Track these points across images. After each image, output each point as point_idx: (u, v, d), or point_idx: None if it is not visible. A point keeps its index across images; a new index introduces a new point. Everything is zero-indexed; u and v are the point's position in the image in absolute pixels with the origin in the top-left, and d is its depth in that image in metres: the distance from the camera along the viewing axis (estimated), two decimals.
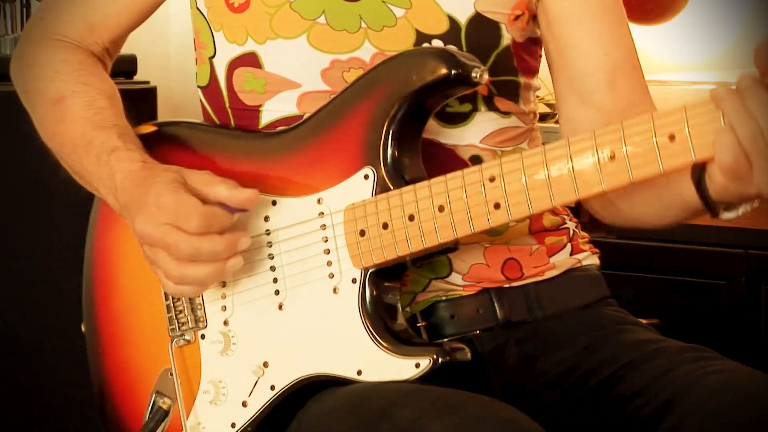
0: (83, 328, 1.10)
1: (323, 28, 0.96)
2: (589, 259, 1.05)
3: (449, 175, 0.86)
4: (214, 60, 1.03)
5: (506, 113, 1.01)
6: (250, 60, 1.00)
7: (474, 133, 0.99)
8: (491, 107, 1.00)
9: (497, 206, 0.83)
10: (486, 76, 0.88)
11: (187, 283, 0.90)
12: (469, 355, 0.88)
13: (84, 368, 1.11)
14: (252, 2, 0.97)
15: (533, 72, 1.05)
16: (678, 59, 2.01)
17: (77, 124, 1.00)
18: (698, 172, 0.78)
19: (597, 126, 0.86)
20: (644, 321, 1.04)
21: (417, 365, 0.86)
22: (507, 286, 0.99)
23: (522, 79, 1.03)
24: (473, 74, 0.87)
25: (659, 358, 0.91)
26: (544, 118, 1.21)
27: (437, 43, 0.96)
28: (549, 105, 1.37)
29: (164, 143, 1.03)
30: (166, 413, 0.98)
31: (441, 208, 0.85)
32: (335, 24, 0.96)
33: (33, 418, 1.87)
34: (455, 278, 0.97)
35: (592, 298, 1.03)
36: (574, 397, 0.94)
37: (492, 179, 0.83)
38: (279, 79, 0.99)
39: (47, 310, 1.81)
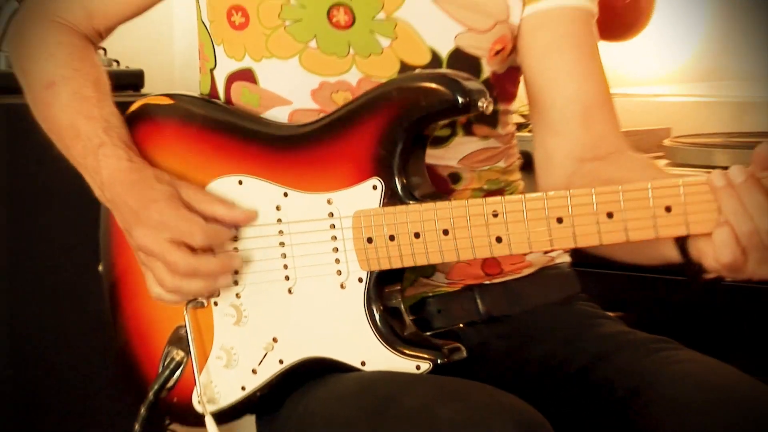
0: (100, 269, 1.14)
1: (314, 51, 1.02)
2: (562, 257, 1.12)
3: (454, 203, 0.91)
4: (215, 72, 1.09)
5: (484, 137, 1.06)
6: (247, 75, 1.06)
7: (452, 154, 1.04)
8: (469, 132, 1.05)
9: (499, 240, 0.88)
10: (491, 108, 0.91)
11: (178, 294, 0.98)
12: (465, 353, 0.94)
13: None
14: (251, 22, 1.03)
15: (512, 97, 1.11)
16: (640, 74, 2.10)
17: (65, 112, 1.05)
18: (682, 239, 0.84)
19: (569, 156, 0.99)
20: (612, 314, 1.12)
21: (417, 367, 0.92)
22: (488, 282, 1.06)
23: (501, 107, 1.08)
24: (480, 104, 0.90)
25: (628, 349, 0.99)
26: (519, 127, 1.25)
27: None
28: (524, 116, 1.37)
29: (178, 117, 1.08)
30: (180, 364, 1.03)
31: (446, 232, 0.90)
32: (325, 49, 1.02)
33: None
34: (439, 277, 1.04)
35: (566, 294, 1.11)
36: (552, 386, 1.00)
37: (495, 215, 0.87)
38: (272, 95, 1.05)
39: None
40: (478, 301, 1.05)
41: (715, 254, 0.79)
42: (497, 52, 1.04)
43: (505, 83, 1.08)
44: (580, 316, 1.08)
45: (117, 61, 1.89)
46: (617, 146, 1.03)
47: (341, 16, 1.01)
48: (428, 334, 1.00)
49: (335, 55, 1.02)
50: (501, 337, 1.06)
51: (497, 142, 1.08)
